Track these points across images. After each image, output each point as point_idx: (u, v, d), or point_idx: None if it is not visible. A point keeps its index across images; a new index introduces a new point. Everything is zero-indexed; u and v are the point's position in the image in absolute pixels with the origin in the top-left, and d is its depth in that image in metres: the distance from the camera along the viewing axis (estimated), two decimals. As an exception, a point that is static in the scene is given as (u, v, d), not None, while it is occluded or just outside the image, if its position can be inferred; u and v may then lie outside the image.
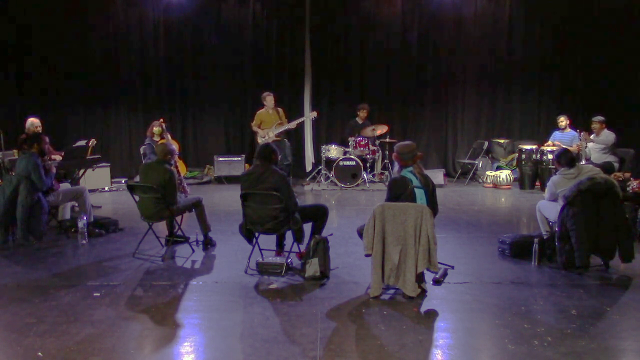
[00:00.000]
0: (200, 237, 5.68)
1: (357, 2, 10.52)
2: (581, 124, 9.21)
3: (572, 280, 4.61)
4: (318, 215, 5.09)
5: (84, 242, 5.78)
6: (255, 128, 9.13)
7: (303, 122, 9.81)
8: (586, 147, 8.20)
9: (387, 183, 9.03)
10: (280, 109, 9.14)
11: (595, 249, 4.74)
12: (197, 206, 5.61)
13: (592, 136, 8.23)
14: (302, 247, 4.91)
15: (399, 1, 10.49)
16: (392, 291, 4.31)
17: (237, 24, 10.49)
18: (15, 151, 7.69)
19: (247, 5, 10.44)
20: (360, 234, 4.49)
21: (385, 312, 3.95)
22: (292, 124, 9.12)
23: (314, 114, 9.46)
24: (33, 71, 10.13)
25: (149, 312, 3.98)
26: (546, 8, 10.39)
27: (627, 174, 6.42)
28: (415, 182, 4.25)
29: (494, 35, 10.56)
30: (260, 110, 9.11)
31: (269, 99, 9.02)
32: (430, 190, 4.28)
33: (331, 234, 4.99)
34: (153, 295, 4.33)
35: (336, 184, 9.19)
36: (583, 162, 7.52)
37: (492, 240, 5.71)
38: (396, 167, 4.45)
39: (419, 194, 4.22)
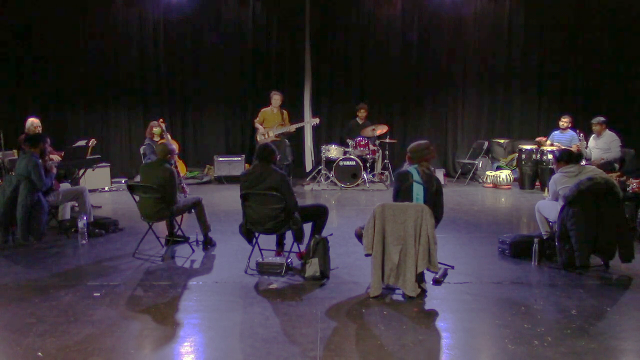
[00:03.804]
0: (200, 237, 5.68)
1: (357, 2, 10.52)
2: (581, 124, 9.21)
3: (572, 280, 4.61)
4: (318, 215, 5.09)
5: (84, 242, 5.78)
6: (257, 125, 9.14)
7: (303, 126, 9.80)
8: (587, 147, 8.20)
9: (387, 183, 9.16)
10: (285, 111, 9.15)
11: (595, 249, 4.74)
12: (197, 206, 5.61)
13: (592, 137, 8.20)
14: (302, 247, 4.91)
15: (399, 1, 10.49)
16: (392, 291, 4.31)
17: (237, 24, 10.49)
18: (15, 151, 7.70)
19: (247, 5, 10.44)
20: (358, 236, 4.50)
21: (385, 312, 3.95)
22: (292, 127, 9.13)
23: (316, 120, 9.45)
24: (33, 71, 10.13)
25: (149, 312, 3.98)
26: (546, 8, 10.38)
27: (624, 178, 6.44)
28: (416, 177, 4.29)
29: (494, 35, 10.56)
30: (265, 108, 9.14)
31: (275, 98, 9.03)
32: (432, 190, 4.29)
33: (331, 234, 4.99)
34: (153, 295, 4.33)
35: (336, 184, 9.19)
36: (583, 162, 7.51)
37: (492, 240, 5.71)
38: (406, 162, 4.53)
39: (417, 189, 4.26)
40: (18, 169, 5.65)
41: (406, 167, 4.48)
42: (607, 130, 8.06)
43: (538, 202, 5.54)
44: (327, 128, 10.74)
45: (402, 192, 4.33)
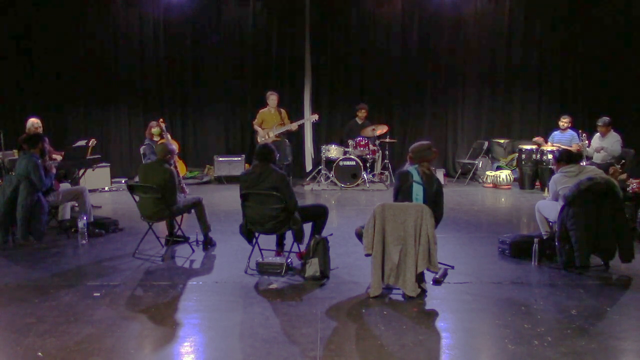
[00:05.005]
0: (200, 237, 5.68)
1: (357, 2, 10.52)
2: (581, 125, 9.20)
3: (572, 280, 4.61)
4: (318, 215, 5.09)
5: (84, 242, 5.78)
6: (256, 127, 9.13)
7: (303, 123, 9.81)
8: (589, 146, 8.17)
9: (387, 183, 9.16)
10: (283, 110, 9.15)
11: (595, 249, 4.74)
12: (197, 206, 5.60)
13: (597, 136, 8.18)
14: (302, 247, 4.91)
15: (399, 1, 10.49)
16: (392, 291, 4.31)
17: (237, 24, 10.49)
18: (15, 151, 7.70)
19: (247, 5, 10.44)
20: (358, 235, 4.51)
21: (385, 312, 3.95)
22: (293, 125, 9.12)
23: (315, 116, 9.45)
24: (33, 71, 10.13)
25: (149, 312, 3.98)
26: (546, 8, 10.39)
27: (624, 175, 6.44)
28: (416, 177, 4.30)
29: (494, 35, 10.56)
30: (263, 110, 9.13)
31: (272, 98, 9.02)
32: (432, 191, 4.30)
33: (331, 234, 4.99)
34: (153, 295, 4.33)
35: (336, 184, 9.19)
36: (584, 162, 7.51)
37: (492, 240, 5.71)
38: (407, 162, 4.54)
39: (417, 189, 4.27)
40: (18, 169, 5.65)
41: (407, 167, 4.49)
42: (612, 131, 8.05)
43: (538, 202, 5.54)
44: (327, 128, 10.74)
45: (402, 192, 4.35)
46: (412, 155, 4.48)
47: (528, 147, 9.19)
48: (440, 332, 3.69)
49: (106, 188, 9.27)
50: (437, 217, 4.30)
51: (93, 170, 8.45)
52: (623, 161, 7.05)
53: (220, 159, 10.07)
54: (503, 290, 4.43)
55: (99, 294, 4.32)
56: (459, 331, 3.72)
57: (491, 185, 9.43)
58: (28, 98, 10.08)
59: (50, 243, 5.84)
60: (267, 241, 5.17)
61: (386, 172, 9.61)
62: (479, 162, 9.94)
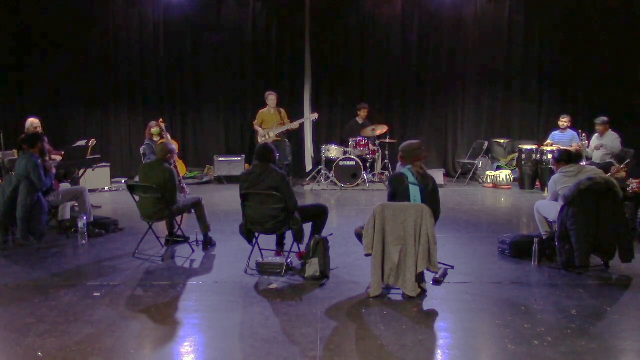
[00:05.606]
0: (200, 237, 5.68)
1: (357, 3, 10.52)
2: (581, 124, 9.20)
3: (572, 280, 4.61)
4: (318, 215, 5.09)
5: (84, 242, 5.78)
6: (256, 127, 9.13)
7: (303, 122, 9.82)
8: (588, 146, 8.18)
9: (387, 182, 9.14)
10: (282, 110, 9.16)
11: (595, 249, 4.74)
12: (197, 206, 5.61)
13: (595, 136, 8.19)
14: (302, 247, 4.91)
15: (399, 1, 10.49)
16: (392, 291, 4.31)
17: (237, 24, 10.49)
18: (15, 151, 7.70)
19: (247, 5, 10.45)
20: (358, 235, 4.50)
21: (385, 312, 3.95)
22: (294, 124, 9.13)
23: (315, 115, 9.46)
24: (33, 71, 10.13)
25: (149, 312, 3.98)
26: (546, 8, 10.39)
27: (624, 173, 6.43)
28: (412, 179, 4.28)
29: (494, 35, 10.56)
30: (262, 110, 9.13)
31: (271, 98, 9.03)
32: (428, 190, 4.29)
33: (331, 234, 4.99)
34: (153, 295, 4.33)
35: (336, 184, 9.19)
36: (584, 162, 7.51)
37: (492, 240, 5.71)
38: (399, 163, 4.52)
39: (414, 190, 4.26)
40: (18, 169, 5.65)
41: (399, 168, 4.46)
42: (610, 130, 8.06)
43: (537, 202, 5.54)
44: (327, 128, 10.74)
45: (399, 196, 4.30)
46: (403, 155, 4.44)
47: (528, 147, 9.19)
48: (440, 332, 3.69)
49: (106, 188, 9.27)
50: (435, 216, 4.29)
51: (93, 170, 8.44)
52: (628, 161, 7.04)
53: (220, 159, 10.07)
54: (503, 290, 4.43)
55: (99, 294, 4.32)
56: (459, 331, 3.72)
57: (491, 185, 9.43)
58: (28, 98, 10.08)
59: (50, 243, 5.84)
60: (267, 241, 5.17)
61: (386, 172, 9.61)
62: (479, 162, 9.94)
